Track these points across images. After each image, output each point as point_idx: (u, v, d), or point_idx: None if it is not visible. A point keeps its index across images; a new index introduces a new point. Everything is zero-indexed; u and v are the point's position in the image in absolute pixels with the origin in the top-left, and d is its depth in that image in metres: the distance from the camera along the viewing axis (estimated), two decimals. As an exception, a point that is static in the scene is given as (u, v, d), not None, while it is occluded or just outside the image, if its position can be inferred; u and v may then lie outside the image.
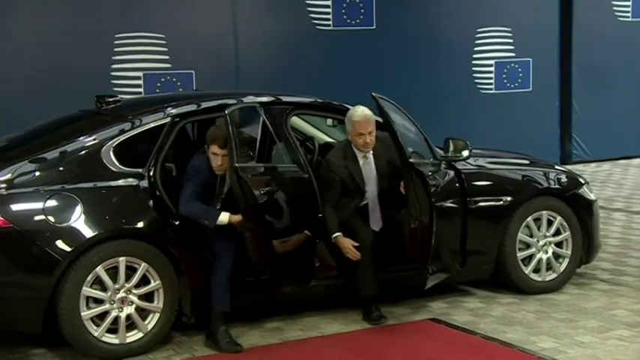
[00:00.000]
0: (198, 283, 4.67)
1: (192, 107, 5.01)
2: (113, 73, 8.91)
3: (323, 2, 9.86)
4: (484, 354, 4.53)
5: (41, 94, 8.24)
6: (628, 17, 11.44)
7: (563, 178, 5.77)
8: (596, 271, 6.05)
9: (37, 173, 4.50)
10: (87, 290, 4.40)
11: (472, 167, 5.47)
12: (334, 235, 4.86)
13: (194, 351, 4.64)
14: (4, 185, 4.38)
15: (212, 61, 9.34)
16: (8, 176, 4.42)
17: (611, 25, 11.30)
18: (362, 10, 10.01)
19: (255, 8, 9.67)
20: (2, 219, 4.27)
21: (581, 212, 5.65)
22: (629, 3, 11.42)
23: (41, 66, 8.49)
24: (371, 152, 5.03)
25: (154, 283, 4.56)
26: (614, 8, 11.36)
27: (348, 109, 5.14)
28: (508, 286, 5.56)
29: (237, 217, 4.59)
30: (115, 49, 8.91)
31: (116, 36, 8.90)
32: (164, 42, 9.14)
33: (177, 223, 4.65)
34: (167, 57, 9.17)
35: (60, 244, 4.33)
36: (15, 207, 4.34)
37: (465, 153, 5.30)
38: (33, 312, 4.35)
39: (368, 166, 5.03)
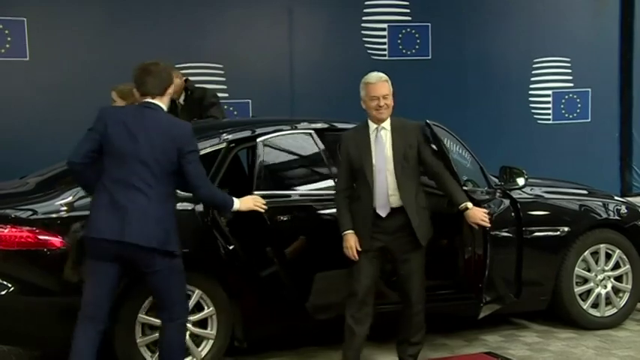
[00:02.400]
0: (250, 308, 4.68)
1: (247, 133, 5.07)
2: (173, 102, 9.09)
3: (379, 33, 9.91)
4: (541, 388, 4.43)
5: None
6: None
7: (623, 209, 5.64)
8: (658, 307, 5.87)
9: (97, 197, 4.58)
10: (143, 317, 4.46)
11: (528, 196, 5.39)
12: (344, 233, 4.53)
13: (246, 377, 4.65)
14: (64, 208, 4.48)
15: (268, 91, 9.45)
16: (69, 199, 4.52)
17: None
18: (418, 41, 10.03)
19: (311, 39, 9.77)
20: (62, 241, 4.36)
21: (641, 245, 5.51)
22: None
23: (103, 96, 8.70)
24: (387, 129, 4.56)
25: (208, 310, 4.60)
26: (678, 37, 11.12)
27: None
28: (565, 322, 5.43)
29: (247, 203, 4.38)
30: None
31: (175, 66, 9.08)
32: (222, 72, 9.31)
33: (230, 247, 4.68)
34: (225, 87, 9.33)
35: (117, 266, 4.39)
36: (75, 229, 4.41)
37: (521, 181, 5.23)
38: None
39: (379, 142, 4.53)
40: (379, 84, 4.57)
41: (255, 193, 4.67)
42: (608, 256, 5.47)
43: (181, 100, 6.64)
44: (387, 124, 4.55)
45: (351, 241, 4.49)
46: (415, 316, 4.61)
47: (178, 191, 4.65)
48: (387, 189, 4.46)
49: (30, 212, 4.43)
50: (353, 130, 4.68)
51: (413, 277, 4.55)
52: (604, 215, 5.56)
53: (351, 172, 4.56)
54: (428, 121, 4.81)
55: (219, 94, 9.32)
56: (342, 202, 4.57)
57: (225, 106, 9.24)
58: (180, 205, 4.63)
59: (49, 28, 8.56)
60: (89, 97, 8.62)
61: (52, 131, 8.32)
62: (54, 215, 4.44)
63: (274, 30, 9.58)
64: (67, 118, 8.45)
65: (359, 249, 4.48)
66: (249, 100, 9.37)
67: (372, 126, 4.55)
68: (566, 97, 10.73)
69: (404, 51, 9.98)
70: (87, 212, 4.24)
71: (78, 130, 8.05)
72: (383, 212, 4.47)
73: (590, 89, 10.77)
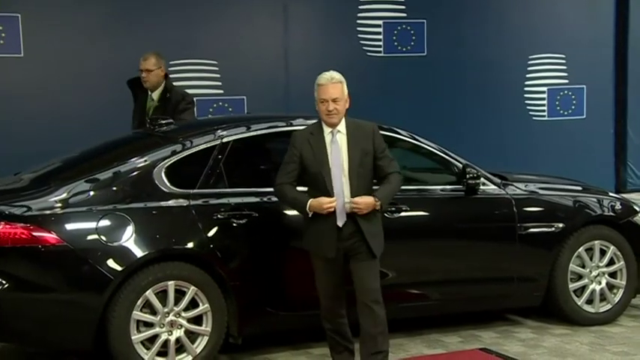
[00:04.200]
0: (245, 305, 4.69)
1: (242, 129, 5.07)
2: (167, 99, 9.06)
3: (374, 29, 9.91)
4: (535, 384, 4.44)
5: (97, 117, 8.42)
6: (686, 44, 11.21)
7: (617, 206, 5.66)
8: (652, 303, 5.89)
9: (91, 193, 4.59)
10: (137, 314, 4.46)
11: (523, 192, 5.40)
12: (309, 203, 4.28)
13: (241, 374, 4.65)
14: (59, 204, 4.48)
15: (263, 88, 9.42)
16: (64, 196, 4.53)
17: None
18: (413, 37, 10.02)
19: (306, 35, 9.76)
20: (57, 237, 4.36)
21: (635, 241, 5.53)
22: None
23: (98, 91, 8.69)
24: (343, 133, 4.35)
25: (203, 307, 4.60)
26: (672, 34, 11.15)
27: (397, 132, 5.13)
28: (560, 318, 5.44)
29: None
30: (169, 76, 9.05)
31: (169, 63, 9.07)
32: (217, 68, 9.29)
33: (225, 243, 4.68)
34: (219, 83, 9.31)
35: (111, 263, 4.40)
36: (69, 226, 4.42)
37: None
38: (84, 330, 4.41)
39: (335, 145, 4.32)
40: (329, 86, 4.31)
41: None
42: (603, 253, 5.48)
43: (155, 96, 6.60)
44: (342, 126, 4.37)
45: (322, 199, 4.25)
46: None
47: (173, 188, 4.68)
48: (343, 196, 4.28)
49: (24, 209, 4.43)
50: (307, 131, 4.44)
51: (365, 273, 4.35)
52: (598, 211, 5.57)
53: (300, 173, 4.37)
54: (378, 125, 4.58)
55: (214, 91, 9.35)
56: (290, 187, 4.36)
57: (220, 103, 9.26)
58: (174, 202, 4.65)
59: (43, 25, 8.53)
60: (84, 93, 8.63)
61: (47, 128, 8.30)
62: (48, 212, 4.44)
63: (270, 26, 9.56)
64: (62, 114, 8.44)
65: (331, 200, 4.24)
66: (244, 97, 9.35)
67: (327, 129, 4.36)
68: (561, 93, 10.74)
69: (399, 47, 9.97)
70: (81, 209, 4.24)
71: (73, 126, 8.09)
72: (340, 221, 4.29)
73: (585, 86, 10.79)
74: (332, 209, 4.25)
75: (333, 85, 4.31)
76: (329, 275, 4.39)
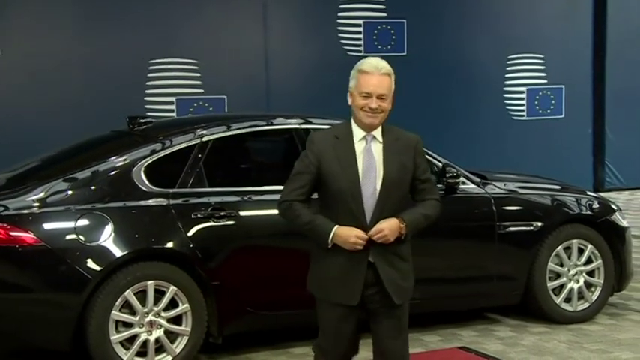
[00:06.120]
0: (225, 304, 4.67)
1: (222, 129, 5.05)
2: (147, 98, 9.04)
3: (355, 29, 9.92)
4: (514, 382, 4.46)
5: (76, 116, 8.37)
6: (662, 44, 11.34)
7: (595, 205, 5.69)
8: (629, 301, 5.94)
9: (70, 192, 4.55)
10: (116, 314, 4.42)
11: (502, 191, 5.42)
12: (334, 231, 3.23)
13: (221, 373, 4.64)
14: (37, 204, 4.44)
15: (244, 87, 9.42)
16: (41, 195, 4.48)
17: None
18: (393, 37, 10.06)
19: (286, 34, 9.75)
20: (34, 237, 4.31)
21: (613, 239, 5.57)
22: (663, 30, 11.32)
23: (78, 89, 8.64)
24: (379, 140, 3.33)
25: (182, 306, 4.56)
26: (648, 35, 11.27)
27: None
28: (538, 316, 5.47)
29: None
30: (149, 75, 9.05)
31: (150, 61, 9.03)
32: (197, 68, 9.26)
33: (205, 243, 4.66)
34: (200, 82, 9.28)
35: (90, 262, 4.36)
36: (47, 225, 4.38)
37: None
38: (62, 330, 4.37)
39: (368, 155, 3.29)
40: (376, 77, 3.30)
41: None
42: (581, 251, 5.52)
43: None
44: (378, 133, 3.33)
45: (351, 229, 3.23)
46: None
47: (152, 187, 4.64)
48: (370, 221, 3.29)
49: (1, 208, 4.38)
50: (330, 134, 3.38)
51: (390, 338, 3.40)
52: (576, 210, 5.61)
53: (315, 187, 3.33)
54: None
55: (195, 90, 9.35)
56: (301, 207, 3.30)
57: (200, 102, 9.23)
58: (154, 201, 4.61)
59: (22, 24, 8.46)
60: (63, 93, 8.56)
61: (25, 128, 8.24)
62: (26, 211, 4.40)
63: (250, 26, 9.55)
64: (39, 113, 8.37)
65: (362, 235, 3.24)
66: (225, 96, 9.32)
67: (359, 133, 3.32)
68: (540, 93, 10.82)
69: (379, 47, 9.99)
70: (59, 208, 4.18)
71: (50, 125, 8.03)
72: (373, 255, 3.30)
73: (563, 86, 10.88)
74: (361, 245, 3.25)
75: (381, 76, 3.31)
76: (344, 324, 3.35)
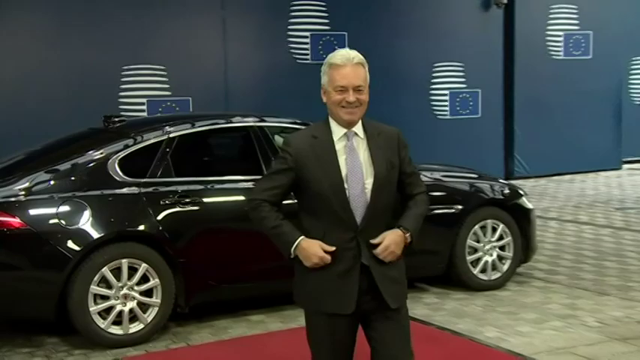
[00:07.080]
0: (190, 279, 4.64)
1: (187, 126, 5.00)
2: (120, 99, 8.89)
3: (302, 40, 9.92)
4: (439, 343, 4.53)
5: (57, 115, 8.18)
6: (560, 56, 11.64)
7: (506, 190, 5.80)
8: (533, 271, 6.08)
9: (52, 182, 4.46)
10: (94, 289, 4.37)
11: (429, 179, 5.50)
12: (298, 241, 2.65)
13: (189, 340, 4.60)
14: (22, 192, 4.35)
15: (206, 89, 9.34)
16: (27, 184, 4.39)
17: (546, 62, 11.49)
18: (336, 47, 10.05)
19: (244, 43, 9.71)
20: (20, 221, 4.24)
21: (520, 219, 5.69)
22: (561, 44, 11.62)
23: (59, 91, 8.46)
24: (361, 137, 2.75)
25: (153, 281, 4.52)
26: (549, 48, 11.56)
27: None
28: (459, 285, 5.57)
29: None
30: (123, 79, 8.90)
31: (123, 67, 8.89)
32: (165, 72, 9.14)
33: (172, 226, 4.61)
34: (168, 85, 9.17)
35: (70, 244, 4.30)
36: (32, 211, 4.30)
37: None
38: (47, 303, 4.31)
39: (352, 153, 2.70)
40: (349, 68, 2.70)
41: None
42: (494, 230, 5.62)
43: None
44: (358, 128, 2.75)
45: (315, 246, 2.65)
46: None
47: (126, 177, 4.58)
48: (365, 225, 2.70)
49: (-10, 196, 4.27)
50: (307, 134, 2.76)
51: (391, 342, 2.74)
52: (491, 195, 5.70)
53: (290, 191, 2.75)
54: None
55: (163, 92, 9.23)
56: (269, 209, 2.70)
57: (168, 103, 9.12)
58: (127, 190, 4.55)
59: (2, 31, 8.21)
60: (38, 96, 8.35)
61: (7, 125, 8.02)
62: (13, 199, 4.31)
63: (211, 36, 9.47)
64: (18, 114, 8.17)
65: (329, 249, 2.65)
66: (190, 98, 9.23)
67: (338, 131, 2.72)
68: (461, 96, 10.99)
69: (324, 56, 9.88)
70: (43, 196, 4.09)
71: (28, 126, 7.82)
72: (365, 258, 2.72)
73: (480, 90, 11.07)
74: (324, 263, 2.65)
75: (355, 67, 2.70)
76: (343, 336, 2.73)
